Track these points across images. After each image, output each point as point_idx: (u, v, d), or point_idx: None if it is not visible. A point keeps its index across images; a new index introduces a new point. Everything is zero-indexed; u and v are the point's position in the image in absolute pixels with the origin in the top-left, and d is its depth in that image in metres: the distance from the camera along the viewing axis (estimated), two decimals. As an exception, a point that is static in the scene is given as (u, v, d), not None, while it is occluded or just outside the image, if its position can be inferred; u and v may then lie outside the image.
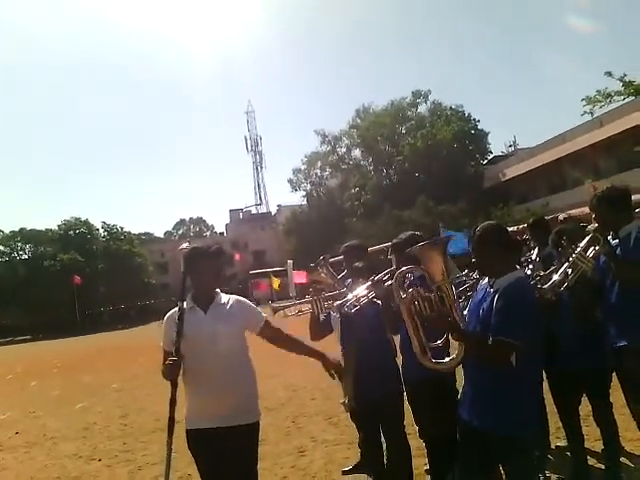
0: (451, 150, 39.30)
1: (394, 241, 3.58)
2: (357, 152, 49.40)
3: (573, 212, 14.89)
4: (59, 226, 45.47)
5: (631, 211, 3.26)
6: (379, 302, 3.09)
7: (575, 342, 3.43)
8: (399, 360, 3.48)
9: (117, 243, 45.31)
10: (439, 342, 2.44)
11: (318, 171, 50.83)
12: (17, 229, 45.17)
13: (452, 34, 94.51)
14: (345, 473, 4.25)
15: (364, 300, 3.01)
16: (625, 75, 13.80)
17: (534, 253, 4.00)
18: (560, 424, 3.83)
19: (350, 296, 3.05)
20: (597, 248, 3.07)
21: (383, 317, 3.13)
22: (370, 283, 3.03)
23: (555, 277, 3.04)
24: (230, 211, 65.21)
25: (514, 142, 44.51)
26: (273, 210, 66.06)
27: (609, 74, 13.78)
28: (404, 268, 2.58)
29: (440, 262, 2.39)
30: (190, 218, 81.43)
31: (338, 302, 3.24)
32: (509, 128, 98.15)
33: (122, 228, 47.76)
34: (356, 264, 3.60)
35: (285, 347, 3.04)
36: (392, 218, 33.48)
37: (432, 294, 2.38)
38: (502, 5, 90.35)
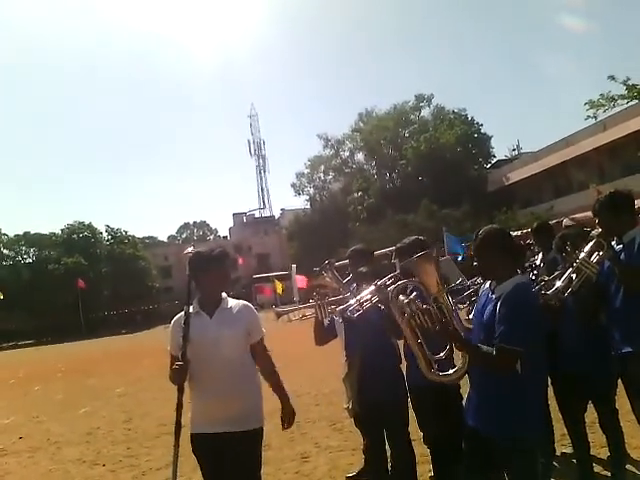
0: (454, 154, 39.33)
1: (398, 245, 3.59)
2: (360, 156, 49.63)
3: (577, 216, 14.87)
4: (62, 230, 45.62)
5: (634, 216, 3.25)
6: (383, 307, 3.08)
7: (577, 344, 3.42)
8: (403, 366, 3.47)
9: (121, 247, 45.39)
10: (442, 354, 2.43)
11: (321, 175, 51.00)
12: (21, 233, 45.40)
13: (454, 37, 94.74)
14: (349, 479, 4.23)
15: (367, 305, 3.00)
16: (629, 79, 13.75)
17: (538, 258, 3.99)
18: (565, 431, 3.81)
19: (353, 301, 3.04)
20: (601, 253, 3.06)
21: (386, 322, 3.12)
22: (373, 288, 3.02)
23: (559, 283, 3.03)
24: (233, 215, 65.37)
25: (517, 146, 44.62)
26: (276, 214, 66.32)
27: (612, 78, 13.74)
28: (399, 283, 2.55)
29: (433, 273, 2.37)
30: (194, 222, 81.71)
31: (341, 307, 3.24)
32: (512, 132, 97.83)
33: (126, 232, 47.88)
34: (361, 269, 3.59)
35: (263, 371, 2.98)
36: (395, 222, 33.48)
37: (430, 306, 2.37)
38: (503, 7, 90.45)
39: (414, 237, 3.61)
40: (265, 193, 68.17)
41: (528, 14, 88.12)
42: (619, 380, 3.41)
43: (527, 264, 4.21)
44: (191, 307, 2.82)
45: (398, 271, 3.27)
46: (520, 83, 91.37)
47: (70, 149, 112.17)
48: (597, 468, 3.70)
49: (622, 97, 14.14)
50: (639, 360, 3.03)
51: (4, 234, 45.24)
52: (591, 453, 3.66)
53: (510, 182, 35.30)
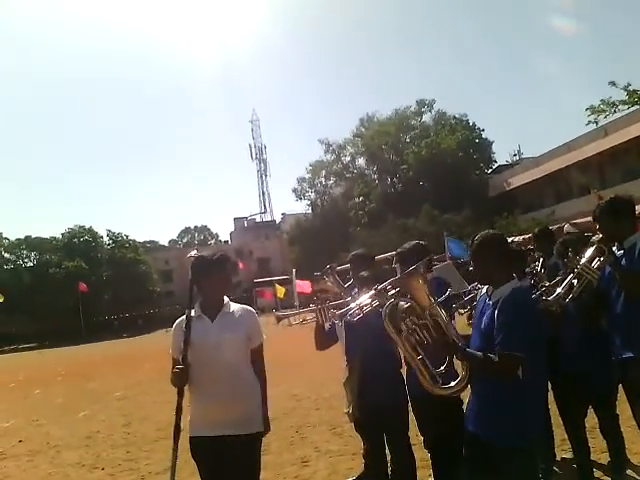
0: (455, 159, 39.35)
1: (399, 250, 3.58)
2: (361, 161, 49.69)
3: (578, 221, 14.86)
4: (63, 234, 45.72)
5: (635, 221, 3.25)
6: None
7: (578, 349, 3.43)
8: (404, 370, 3.47)
9: (122, 251, 45.45)
10: (442, 369, 2.39)
11: (322, 180, 51.05)
12: (22, 237, 45.50)
13: (455, 41, 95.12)
14: (349, 484, 4.22)
15: (367, 309, 3.00)
16: (629, 84, 13.79)
17: (539, 264, 4.00)
18: (566, 436, 3.81)
19: (353, 305, 3.05)
20: (602, 259, 3.06)
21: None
22: (374, 292, 3.02)
23: (559, 289, 3.03)
24: (235, 219, 65.39)
25: (519, 151, 44.69)
26: (278, 218, 66.36)
27: (613, 83, 13.76)
28: (390, 302, 2.49)
29: (423, 288, 2.36)
30: (195, 226, 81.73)
31: (341, 311, 3.24)
32: (513, 137, 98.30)
33: (127, 236, 47.99)
34: (362, 273, 3.60)
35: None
36: (396, 227, 33.50)
37: (426, 320, 2.34)
38: (505, 12, 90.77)
39: (415, 242, 3.61)
40: (266, 197, 68.37)
41: (530, 19, 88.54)
42: (619, 385, 3.41)
43: (528, 270, 4.22)
44: (193, 311, 2.83)
45: (394, 279, 3.27)
46: (521, 88, 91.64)
47: (71, 152, 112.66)
48: (597, 473, 3.69)
49: (623, 103, 14.16)
50: (640, 365, 3.03)
51: (5, 238, 45.42)
52: (591, 458, 3.66)
53: (511, 187, 35.32)
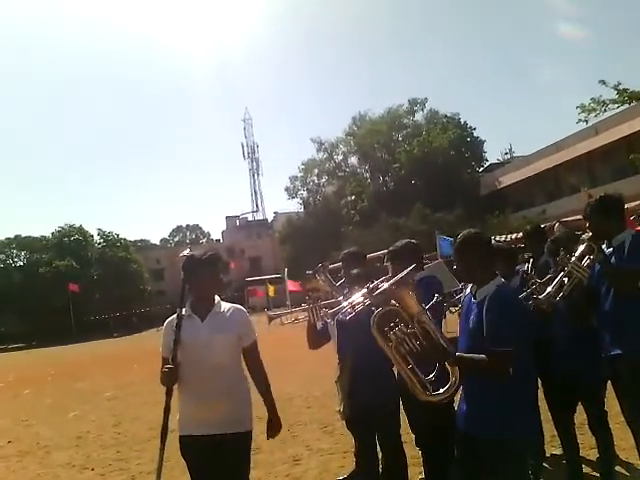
0: (447, 157, 39.48)
1: (391, 249, 3.59)
2: (354, 159, 49.68)
3: (569, 219, 14.98)
4: (53, 233, 45.30)
5: (624, 219, 3.28)
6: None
7: (569, 347, 3.45)
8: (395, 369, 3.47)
9: (113, 250, 45.11)
10: (432, 376, 2.36)
11: (315, 178, 51.00)
12: (12, 236, 45.09)
13: (447, 41, 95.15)
14: (340, 482, 4.23)
15: (359, 307, 3.00)
16: (619, 83, 13.86)
17: (529, 265, 4.02)
18: (555, 432, 3.83)
19: (345, 303, 3.04)
20: (592, 257, 3.08)
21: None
22: (365, 290, 3.02)
23: (550, 288, 3.05)
24: (226, 218, 65.13)
25: (510, 150, 44.91)
26: (269, 217, 66.17)
27: (603, 82, 13.82)
28: (380, 309, 2.47)
29: (410, 296, 2.35)
30: (186, 225, 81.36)
31: (332, 309, 3.24)
32: (505, 136, 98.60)
33: (118, 235, 47.57)
34: (354, 271, 3.60)
35: (253, 377, 2.97)
36: (388, 225, 33.55)
37: (414, 328, 2.32)
38: (497, 13, 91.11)
39: (406, 240, 3.62)
40: (258, 196, 68.13)
41: (520, 19, 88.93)
42: (608, 382, 3.43)
43: (518, 267, 4.24)
44: (184, 310, 2.81)
45: (390, 275, 3.27)
46: (513, 87, 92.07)
47: (66, 152, 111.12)
48: (586, 469, 3.73)
49: (613, 101, 14.24)
50: (628, 363, 3.05)
51: (-5, 237, 44.94)
52: (581, 454, 3.69)
53: (502, 186, 35.49)
